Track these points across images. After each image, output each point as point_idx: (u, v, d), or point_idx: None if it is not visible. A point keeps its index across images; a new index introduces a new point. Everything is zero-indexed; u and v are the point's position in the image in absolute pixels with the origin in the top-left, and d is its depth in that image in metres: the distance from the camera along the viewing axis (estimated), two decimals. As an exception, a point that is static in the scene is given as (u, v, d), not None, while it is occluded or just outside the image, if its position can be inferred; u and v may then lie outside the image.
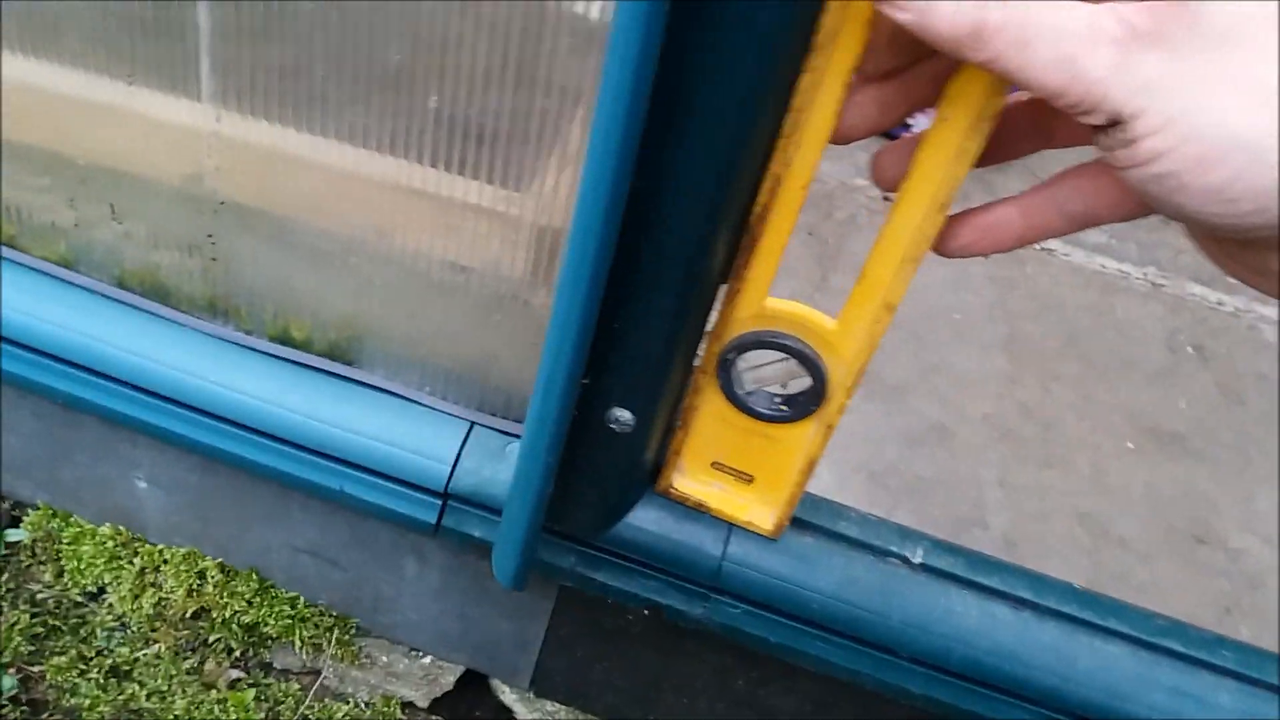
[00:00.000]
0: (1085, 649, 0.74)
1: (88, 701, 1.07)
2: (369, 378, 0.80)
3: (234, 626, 1.04)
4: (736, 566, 0.74)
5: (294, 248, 0.75)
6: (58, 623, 1.08)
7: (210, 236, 0.76)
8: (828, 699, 0.91)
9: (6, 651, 1.07)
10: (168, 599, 1.04)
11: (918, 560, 0.75)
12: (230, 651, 1.07)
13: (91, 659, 1.08)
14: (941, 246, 0.52)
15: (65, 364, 0.80)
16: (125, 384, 0.80)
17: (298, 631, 1.03)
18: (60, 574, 1.07)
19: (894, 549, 0.75)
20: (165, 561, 1.03)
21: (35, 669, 1.08)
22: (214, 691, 1.08)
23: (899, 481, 1.63)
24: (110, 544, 1.04)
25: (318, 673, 1.09)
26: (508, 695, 1.09)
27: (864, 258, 0.56)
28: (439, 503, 0.78)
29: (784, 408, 0.66)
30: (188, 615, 1.05)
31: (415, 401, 0.80)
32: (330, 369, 0.81)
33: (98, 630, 1.08)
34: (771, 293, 0.60)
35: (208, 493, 0.94)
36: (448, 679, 1.07)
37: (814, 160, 0.51)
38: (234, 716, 1.06)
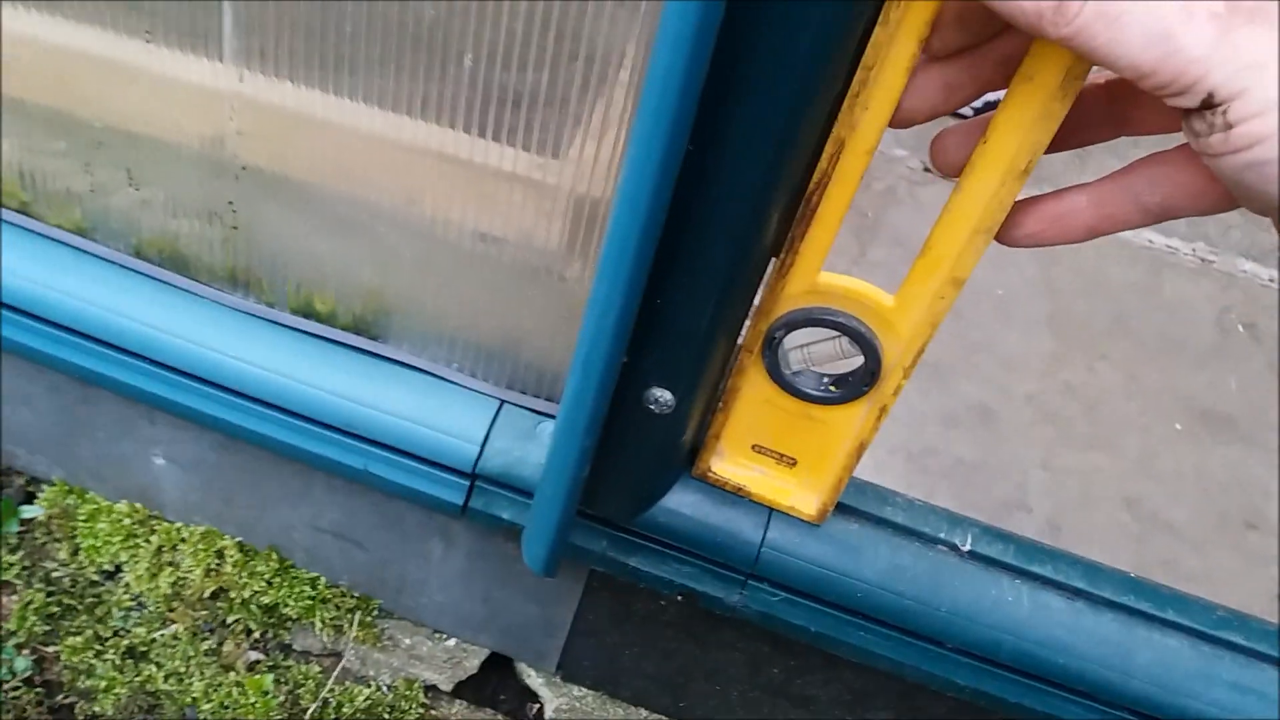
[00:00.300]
0: (1143, 641, 0.72)
1: (104, 683, 1.05)
2: (395, 353, 0.78)
3: (253, 607, 1.02)
4: (776, 553, 0.72)
5: (318, 216, 0.72)
6: (73, 602, 1.06)
7: (231, 204, 0.74)
8: (869, 689, 0.89)
9: (21, 631, 1.05)
10: (185, 578, 1.02)
11: (966, 547, 0.73)
12: (249, 633, 1.05)
13: (108, 639, 1.06)
14: (1005, 235, 0.49)
15: (80, 336, 0.78)
16: (142, 358, 0.78)
17: (318, 613, 1.01)
18: (76, 552, 1.05)
19: (942, 536, 0.73)
20: (183, 540, 1.01)
21: (50, 649, 1.06)
22: (233, 673, 1.06)
23: (939, 463, 1.59)
24: (127, 521, 1.02)
25: (339, 655, 1.07)
26: (534, 679, 1.07)
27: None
28: (467, 483, 0.76)
29: (833, 389, 0.63)
30: (206, 595, 1.03)
31: (443, 378, 0.78)
32: (355, 344, 0.79)
33: (114, 610, 1.06)
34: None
35: (227, 470, 0.93)
36: (472, 662, 1.06)
37: (881, 124, 0.48)
38: (253, 699, 1.05)
